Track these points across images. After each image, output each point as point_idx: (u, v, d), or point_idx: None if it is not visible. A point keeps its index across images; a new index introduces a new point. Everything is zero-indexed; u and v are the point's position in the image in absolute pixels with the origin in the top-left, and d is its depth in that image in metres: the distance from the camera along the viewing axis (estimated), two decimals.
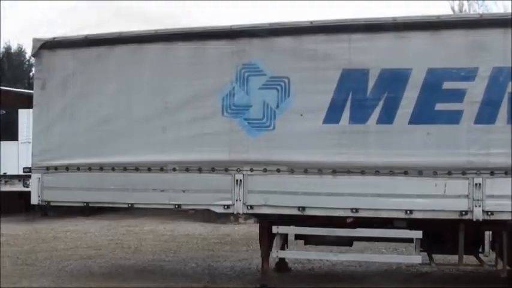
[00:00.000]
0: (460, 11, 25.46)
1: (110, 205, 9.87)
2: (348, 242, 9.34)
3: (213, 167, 9.01)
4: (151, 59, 9.48)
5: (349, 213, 8.66)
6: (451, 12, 23.75)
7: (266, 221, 9.16)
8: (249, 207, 8.93)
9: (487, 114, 8.40)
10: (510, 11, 19.81)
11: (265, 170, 8.85)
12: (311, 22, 8.94)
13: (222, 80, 9.04)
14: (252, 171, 8.88)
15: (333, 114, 8.71)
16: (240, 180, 8.89)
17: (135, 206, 9.56)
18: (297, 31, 8.98)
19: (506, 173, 8.34)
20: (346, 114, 8.67)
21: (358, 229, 8.84)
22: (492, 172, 8.35)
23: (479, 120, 8.41)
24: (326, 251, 9.53)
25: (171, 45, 9.41)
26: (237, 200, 8.93)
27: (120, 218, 19.30)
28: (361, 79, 8.65)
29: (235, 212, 9.10)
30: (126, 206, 9.59)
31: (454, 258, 9.01)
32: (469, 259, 9.27)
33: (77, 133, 9.62)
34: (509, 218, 8.39)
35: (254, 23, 9.20)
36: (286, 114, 8.83)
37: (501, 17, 8.95)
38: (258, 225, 9.68)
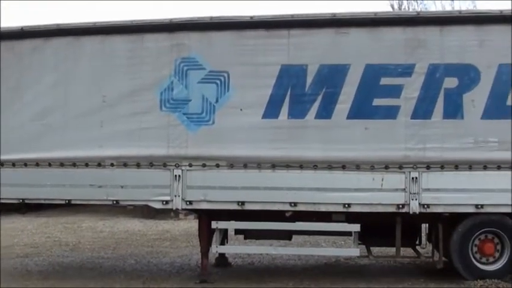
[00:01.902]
0: (400, 8, 26.01)
1: (47, 202, 9.76)
2: (287, 235, 9.65)
3: (152, 162, 9.07)
4: (88, 52, 9.43)
5: (288, 207, 8.93)
6: (390, 10, 24.22)
7: (205, 217, 9.20)
8: (188, 203, 9.05)
9: (423, 109, 8.80)
10: (446, 10, 20.41)
11: (204, 165, 8.96)
12: (251, 17, 9.14)
13: (161, 74, 9.11)
14: (191, 167, 8.99)
15: (272, 109, 8.92)
16: (179, 176, 8.96)
17: (73, 202, 9.54)
18: (237, 26, 9.14)
19: (442, 167, 8.66)
20: (285, 109, 8.89)
21: (297, 223, 9.11)
22: (428, 166, 8.73)
23: (415, 115, 8.79)
24: (266, 245, 9.73)
25: (108, 38, 9.40)
26: (175, 196, 9.02)
27: (58, 214, 19.11)
28: (300, 74, 8.90)
29: (174, 208, 9.22)
30: (63, 202, 9.53)
31: (391, 250, 9.45)
32: (407, 251, 9.74)
33: (12, 128, 9.44)
34: (444, 210, 8.79)
35: (194, 16, 9.17)
36: (226, 108, 9.00)
37: (438, 15, 9.40)
38: (197, 220, 9.67)
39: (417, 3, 27.58)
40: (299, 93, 8.88)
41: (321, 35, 8.95)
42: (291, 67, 8.90)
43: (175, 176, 9.03)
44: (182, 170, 9.04)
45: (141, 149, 9.11)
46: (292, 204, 8.86)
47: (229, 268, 10.36)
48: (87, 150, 9.24)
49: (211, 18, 9.20)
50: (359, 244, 9.20)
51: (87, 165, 9.26)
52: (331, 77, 8.85)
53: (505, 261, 8.97)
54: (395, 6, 26.58)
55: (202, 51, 9.10)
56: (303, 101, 8.87)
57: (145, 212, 17.43)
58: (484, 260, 9.04)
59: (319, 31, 8.96)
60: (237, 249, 10.38)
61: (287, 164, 8.85)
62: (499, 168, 8.73)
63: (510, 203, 8.62)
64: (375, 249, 9.91)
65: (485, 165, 8.74)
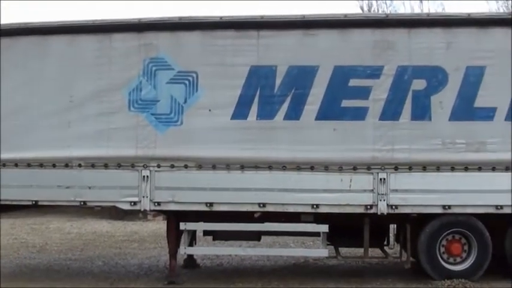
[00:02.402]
0: (369, 10, 26.27)
1: (14, 203, 9.64)
2: (256, 236, 9.71)
3: (120, 163, 9.07)
4: (56, 52, 9.38)
5: (256, 208, 9.00)
6: (360, 12, 24.46)
7: (174, 218, 9.21)
8: (156, 204, 9.05)
9: (391, 111, 8.92)
10: (415, 12, 20.64)
11: (172, 166, 8.97)
12: (220, 17, 9.19)
13: (129, 74, 9.10)
14: (159, 167, 8.99)
15: (241, 110, 8.97)
16: (147, 177, 8.96)
17: (40, 203, 9.47)
18: (206, 26, 9.18)
19: (410, 168, 8.76)
20: (254, 110, 8.96)
21: (266, 224, 9.19)
22: (396, 167, 8.84)
23: (384, 117, 8.91)
24: (235, 246, 9.76)
25: (76, 37, 9.35)
26: (143, 197, 9.02)
27: (25, 216, 18.87)
28: (269, 75, 8.97)
29: (142, 209, 9.23)
30: (30, 203, 9.42)
31: (360, 251, 9.51)
32: (375, 251, 9.84)
33: None
34: (412, 211, 8.94)
35: (163, 16, 9.17)
36: (194, 109, 9.03)
37: (406, 18, 9.58)
38: (166, 222, 9.68)
39: (386, 4, 27.93)
40: (268, 94, 8.95)
41: (290, 36, 9.03)
42: (260, 68, 8.95)
43: (144, 176, 9.02)
44: (150, 171, 9.03)
45: (109, 150, 9.09)
46: (261, 205, 8.91)
47: (198, 269, 10.36)
48: (55, 151, 9.18)
49: (180, 18, 9.22)
50: (327, 245, 9.29)
51: (54, 165, 9.20)
52: (300, 78, 8.93)
53: (472, 262, 9.12)
54: (365, 8, 26.85)
55: (171, 52, 9.10)
56: (272, 102, 8.94)
57: (114, 213, 17.38)
58: (451, 260, 9.18)
59: (288, 32, 9.03)
60: (205, 250, 10.43)
61: (256, 165, 8.91)
62: (466, 169, 8.87)
63: (509, 203, 8.82)
64: (344, 250, 10.02)
65: (452, 167, 8.88)
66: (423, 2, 31.08)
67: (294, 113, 8.89)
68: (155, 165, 9.02)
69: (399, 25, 9.02)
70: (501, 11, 24.12)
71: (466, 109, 8.90)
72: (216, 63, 9.00)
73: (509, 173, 8.89)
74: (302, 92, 8.90)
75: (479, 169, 8.88)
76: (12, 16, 33.03)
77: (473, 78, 8.92)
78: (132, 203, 9.10)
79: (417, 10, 24.96)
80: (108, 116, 9.11)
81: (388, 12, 23.28)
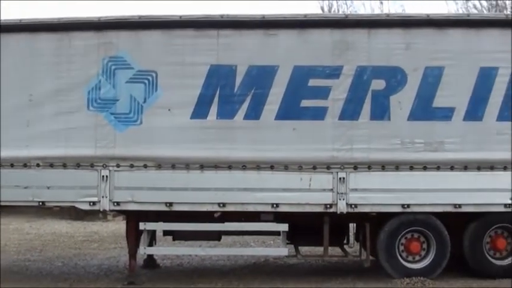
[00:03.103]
0: (329, 11, 26.52)
1: None
2: (216, 236, 9.78)
3: (79, 163, 9.07)
4: (15, 50, 9.31)
5: (216, 208, 9.07)
6: (320, 12, 24.65)
7: (133, 218, 9.23)
8: (115, 204, 9.08)
9: (350, 111, 9.07)
10: (374, 13, 20.87)
11: (132, 166, 9.00)
12: (180, 16, 9.23)
13: (88, 73, 9.10)
14: (118, 167, 9.02)
15: (200, 110, 9.04)
16: (106, 176, 8.98)
17: None
18: (166, 25, 9.23)
19: (369, 168, 8.91)
20: (214, 109, 9.03)
21: (226, 223, 9.26)
22: (355, 167, 8.98)
23: (343, 116, 9.06)
24: (195, 246, 9.78)
25: (35, 36, 9.29)
26: (103, 197, 9.04)
27: None
28: (229, 75, 9.06)
29: (101, 209, 9.26)
30: None
31: (320, 249, 9.57)
32: (335, 250, 9.98)
33: None
34: (371, 210, 9.10)
35: (122, 15, 9.20)
36: (154, 108, 9.07)
37: (366, 18, 9.70)
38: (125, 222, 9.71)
39: (347, 5, 28.21)
40: (228, 93, 9.03)
41: (250, 36, 9.12)
42: (220, 67, 9.02)
43: (103, 176, 9.03)
44: (110, 171, 9.05)
45: (68, 149, 9.07)
46: (221, 205, 8.99)
47: (158, 269, 10.39)
48: (13, 150, 9.13)
49: (139, 17, 9.25)
50: (287, 244, 9.41)
51: (12, 165, 9.15)
52: (260, 78, 9.03)
53: (431, 260, 9.31)
54: (326, 9, 27.08)
55: (131, 51, 9.13)
56: (232, 102, 9.02)
57: (73, 213, 17.32)
58: (410, 258, 9.36)
59: (248, 32, 9.11)
60: (165, 250, 10.46)
61: (215, 165, 8.99)
62: (425, 168, 9.03)
63: (467, 202, 9.08)
64: (304, 249, 10.14)
65: (411, 166, 9.05)
66: (383, 2, 31.61)
67: (254, 113, 8.99)
68: (114, 165, 9.03)
69: (358, 26, 9.17)
70: (460, 12, 24.63)
71: (425, 109, 9.09)
72: (175, 63, 9.05)
73: (467, 172, 9.13)
74: (262, 91, 9.00)
75: (438, 168, 9.08)
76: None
77: (431, 78, 9.11)
78: (92, 203, 9.10)
79: (377, 11, 25.33)
80: (67, 115, 9.09)
81: (348, 12, 23.50)
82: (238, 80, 8.99)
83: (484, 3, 26.10)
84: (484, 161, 9.11)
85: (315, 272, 10.17)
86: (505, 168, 9.14)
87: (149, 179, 9.00)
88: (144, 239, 9.24)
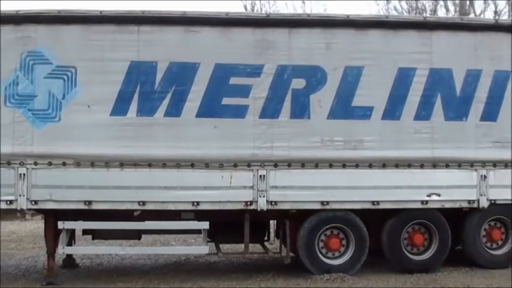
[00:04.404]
0: (252, 9, 26.89)
1: None
2: (136, 235, 9.88)
3: None
4: None
5: (136, 206, 9.16)
6: (243, 11, 24.96)
7: (52, 217, 9.20)
8: (33, 203, 9.05)
9: (271, 109, 9.33)
10: (296, 13, 21.28)
11: (50, 164, 8.99)
12: (100, 11, 9.23)
13: (6, 68, 9.02)
14: (36, 165, 8.99)
15: (120, 106, 9.10)
16: (24, 174, 8.96)
17: None
18: (85, 20, 9.24)
19: (289, 165, 9.16)
20: (133, 106, 9.11)
21: (146, 222, 9.33)
22: (276, 164, 9.24)
23: (263, 115, 9.31)
24: (115, 245, 9.84)
25: None
26: (20, 195, 8.98)
27: None
28: (149, 71, 9.16)
29: (18, 208, 9.19)
30: None
31: (241, 247, 9.83)
32: (256, 247, 10.22)
33: None
34: (291, 207, 9.39)
35: (41, 8, 9.12)
36: (73, 105, 9.08)
37: (287, 18, 9.95)
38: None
39: (269, 4, 28.64)
40: (148, 90, 9.13)
41: (171, 33, 9.24)
42: (141, 64, 9.11)
43: (20, 174, 8.98)
44: (27, 169, 9.00)
45: None
46: (141, 203, 9.08)
47: (77, 269, 10.36)
48: None
49: (59, 11, 9.20)
50: (208, 242, 9.60)
51: None
52: (181, 75, 9.17)
53: (350, 256, 9.68)
54: (249, 7, 27.42)
55: (50, 45, 9.09)
56: (152, 99, 9.12)
57: None
58: (330, 254, 9.71)
59: (169, 28, 9.23)
60: (84, 249, 10.51)
61: (135, 163, 9.07)
62: (344, 166, 9.38)
63: (385, 199, 9.52)
64: (225, 246, 10.34)
65: (330, 164, 9.37)
66: (305, 2, 32.42)
67: (175, 110, 9.12)
68: (32, 162, 8.99)
69: (280, 25, 9.44)
70: (381, 13, 25.46)
71: (344, 108, 9.44)
72: (95, 58, 9.07)
73: (386, 170, 9.56)
74: (183, 88, 9.14)
75: (357, 166, 9.45)
76: None
77: (351, 78, 9.47)
78: (8, 202, 9.02)
79: (300, 11, 25.88)
80: None
81: (271, 12, 23.87)
82: (159, 76, 9.10)
83: (404, 5, 27.20)
84: (402, 159, 9.53)
85: (236, 269, 10.38)
86: (422, 166, 9.60)
87: (68, 177, 9.00)
88: (62, 238, 9.20)
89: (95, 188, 9.01)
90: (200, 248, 9.60)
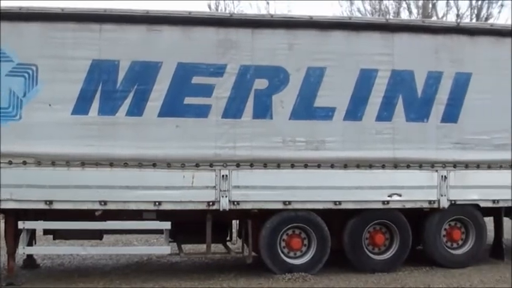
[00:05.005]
0: (217, 9, 27.07)
1: None
2: (98, 235, 9.89)
3: None
4: None
5: (98, 206, 9.19)
6: (208, 10, 25.11)
7: (12, 216, 9.19)
8: None
9: (233, 109, 9.44)
10: (259, 13, 21.48)
11: (10, 163, 8.99)
12: (62, 9, 9.25)
13: None
14: None
15: (82, 105, 9.12)
16: None
17: None
18: (46, 17, 9.22)
19: (251, 165, 9.33)
20: (95, 105, 9.14)
21: (107, 222, 9.35)
22: (238, 164, 9.38)
23: (226, 114, 9.41)
24: (76, 245, 9.82)
25: None
26: None
27: None
28: (111, 70, 9.20)
29: None
30: None
31: (203, 247, 9.86)
32: (218, 247, 10.31)
33: None
34: (253, 207, 9.49)
35: (2, 6, 9.11)
36: (34, 103, 9.07)
37: (250, 18, 10.07)
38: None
39: (234, 4, 28.84)
40: (110, 89, 9.16)
41: (134, 31, 9.29)
42: (103, 62, 9.14)
43: None
44: None
45: None
46: (102, 203, 9.11)
47: (38, 269, 10.30)
48: None
49: (20, 8, 9.17)
50: (170, 242, 9.69)
51: None
52: (143, 74, 9.23)
53: (312, 255, 9.83)
54: (213, 7, 27.61)
55: (11, 43, 9.05)
56: (114, 98, 9.16)
57: None
58: (291, 254, 9.86)
59: (131, 27, 9.28)
60: (45, 250, 10.48)
61: (97, 162, 9.10)
62: (306, 166, 9.53)
63: (347, 199, 9.68)
64: (187, 247, 10.43)
65: (292, 164, 9.51)
66: (270, 3, 32.78)
67: (137, 109, 9.18)
68: None
69: (243, 25, 9.55)
70: (345, 15, 25.85)
71: (306, 108, 9.60)
72: (56, 56, 9.07)
73: (347, 170, 9.74)
74: (145, 88, 9.20)
75: (319, 166, 9.60)
76: None
77: (313, 78, 9.63)
78: None
79: (264, 11, 26.14)
80: None
81: (235, 12, 24.01)
82: (121, 75, 9.13)
83: (368, 7, 27.62)
84: (364, 159, 9.72)
85: (198, 269, 10.45)
86: (383, 167, 9.80)
87: (28, 176, 8.97)
88: (23, 238, 9.16)
89: (56, 187, 9.01)
90: (162, 248, 9.67)
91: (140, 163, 9.14)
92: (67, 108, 9.03)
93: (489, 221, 10.78)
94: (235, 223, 10.63)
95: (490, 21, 25.79)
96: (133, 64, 9.17)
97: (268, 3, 31.31)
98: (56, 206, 9.06)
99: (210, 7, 27.48)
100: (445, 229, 10.41)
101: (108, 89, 9.12)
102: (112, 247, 11.03)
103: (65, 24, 9.14)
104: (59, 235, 9.74)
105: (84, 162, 9.07)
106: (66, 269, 10.48)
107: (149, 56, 9.22)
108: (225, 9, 26.93)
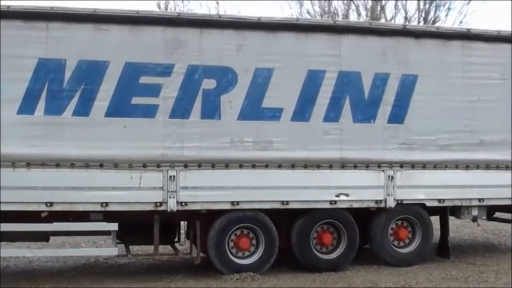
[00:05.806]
0: (166, 8, 27.17)
1: None
2: (44, 237, 9.87)
3: None
4: None
5: (43, 208, 9.17)
6: (157, 10, 25.16)
7: None
8: None
9: (181, 109, 9.56)
10: (207, 13, 21.63)
11: None
12: (8, 7, 9.22)
13: None
14: None
15: (27, 105, 9.11)
16: None
17: None
18: None
19: (199, 166, 9.45)
20: (41, 105, 9.14)
21: (54, 223, 9.34)
22: (186, 165, 9.50)
23: (174, 114, 9.53)
24: (22, 248, 9.77)
25: None
26: None
27: None
28: (58, 69, 9.21)
29: None
30: None
31: (151, 248, 9.92)
32: (166, 248, 10.40)
33: None
34: (202, 208, 9.64)
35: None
36: None
37: (198, 18, 10.20)
38: None
39: (183, 4, 28.99)
40: (56, 88, 9.17)
41: (81, 30, 9.32)
42: (49, 61, 9.16)
43: None
44: None
45: None
46: (48, 204, 9.11)
47: None
48: None
49: None
50: (118, 243, 9.76)
51: None
52: (90, 73, 9.27)
53: (260, 255, 10.01)
54: (162, 6, 27.68)
55: None
56: (61, 97, 9.18)
57: None
58: (240, 254, 10.03)
59: (78, 26, 9.31)
60: None
61: (43, 162, 9.09)
62: (253, 166, 9.72)
63: (294, 199, 9.90)
64: (135, 248, 10.50)
65: (240, 164, 9.70)
66: (219, 3, 33.11)
67: (83, 109, 9.22)
68: None
69: (191, 25, 9.68)
70: (294, 16, 26.27)
71: (254, 109, 9.80)
72: (2, 55, 9.01)
73: (295, 171, 9.95)
74: (92, 87, 9.24)
75: (266, 167, 9.80)
76: None
77: (261, 79, 9.84)
78: None
79: (214, 12, 26.31)
80: None
81: (184, 11, 24.13)
82: (68, 74, 9.16)
83: (317, 9, 28.11)
84: (311, 159, 9.96)
85: (146, 270, 10.54)
86: (330, 167, 10.06)
87: None
88: None
89: (1, 188, 8.96)
90: (109, 250, 9.70)
91: (87, 164, 9.18)
92: (12, 108, 8.97)
93: (435, 220, 11.11)
94: (183, 224, 10.71)
95: (437, 24, 26.56)
96: (80, 63, 9.21)
97: (218, 3, 31.55)
98: (1, 207, 9.00)
99: (159, 7, 27.52)
100: (392, 228, 10.73)
101: (54, 88, 9.13)
102: (59, 249, 11.02)
103: (11, 22, 9.09)
104: (4, 237, 9.63)
105: (29, 163, 9.04)
106: (12, 272, 10.37)
107: (96, 56, 9.27)
108: (175, 9, 26.98)
